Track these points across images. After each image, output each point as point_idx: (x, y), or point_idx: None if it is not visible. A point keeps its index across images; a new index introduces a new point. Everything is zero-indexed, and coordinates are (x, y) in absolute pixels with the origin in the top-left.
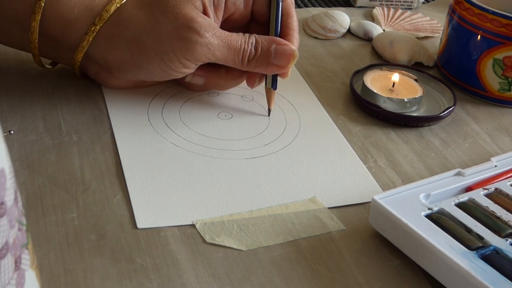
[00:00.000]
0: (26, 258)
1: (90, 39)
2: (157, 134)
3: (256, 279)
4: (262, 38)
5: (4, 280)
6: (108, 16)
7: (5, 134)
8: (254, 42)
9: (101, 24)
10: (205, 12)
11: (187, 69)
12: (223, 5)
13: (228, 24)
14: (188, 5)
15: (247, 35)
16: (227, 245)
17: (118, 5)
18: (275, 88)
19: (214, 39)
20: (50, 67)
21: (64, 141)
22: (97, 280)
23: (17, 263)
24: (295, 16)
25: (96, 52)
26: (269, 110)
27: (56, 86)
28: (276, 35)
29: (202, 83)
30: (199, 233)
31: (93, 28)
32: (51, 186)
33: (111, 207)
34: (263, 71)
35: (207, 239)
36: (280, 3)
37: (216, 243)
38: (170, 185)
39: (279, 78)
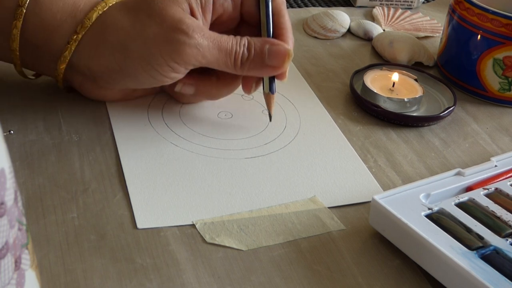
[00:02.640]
0: (26, 258)
1: (73, 48)
2: (157, 134)
3: (256, 279)
4: (255, 40)
5: (4, 280)
6: (90, 23)
7: (5, 134)
8: (246, 44)
9: (83, 32)
10: (192, 14)
11: (176, 74)
12: (211, 7)
13: (217, 27)
14: (175, 7)
15: (238, 37)
16: (227, 245)
17: (100, 12)
18: (273, 92)
19: (204, 40)
20: (33, 77)
21: (64, 141)
22: (97, 280)
23: (17, 263)
24: (286, 16)
25: (80, 61)
26: (270, 116)
27: (56, 86)
28: (268, 36)
29: (193, 92)
30: (199, 233)
31: (75, 37)
32: (51, 186)
33: (111, 207)
34: (258, 74)
35: (207, 239)
36: (270, 3)
37: (216, 243)
38: (170, 185)
39: (277, 81)
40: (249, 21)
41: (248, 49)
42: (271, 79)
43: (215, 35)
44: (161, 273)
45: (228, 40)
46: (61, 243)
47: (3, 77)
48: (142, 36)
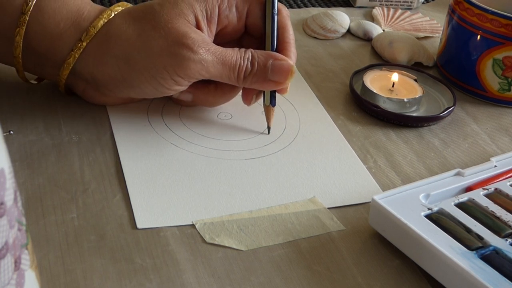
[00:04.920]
0: (26, 258)
1: (77, 56)
2: (157, 134)
3: (256, 279)
4: (259, 53)
5: (4, 280)
6: (96, 32)
7: (5, 134)
8: (250, 57)
9: (88, 41)
10: (198, 26)
11: (179, 87)
12: (216, 19)
13: (220, 38)
14: (181, 20)
15: (242, 50)
16: (227, 245)
17: (106, 20)
18: (273, 105)
19: (208, 55)
20: (35, 82)
21: (64, 142)
22: (97, 280)
23: (17, 263)
24: (291, 30)
25: (84, 69)
26: (269, 128)
27: (56, 87)
28: (272, 50)
29: (190, 99)
30: (199, 233)
31: (79, 45)
32: (51, 186)
33: (111, 207)
34: (260, 88)
35: (207, 239)
36: (276, 16)
37: (216, 243)
38: (170, 185)
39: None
40: (252, 33)
41: (252, 63)
42: (272, 92)
43: (219, 49)
44: (161, 273)
45: (233, 55)
46: (61, 243)
47: (4, 78)
48: (146, 48)
